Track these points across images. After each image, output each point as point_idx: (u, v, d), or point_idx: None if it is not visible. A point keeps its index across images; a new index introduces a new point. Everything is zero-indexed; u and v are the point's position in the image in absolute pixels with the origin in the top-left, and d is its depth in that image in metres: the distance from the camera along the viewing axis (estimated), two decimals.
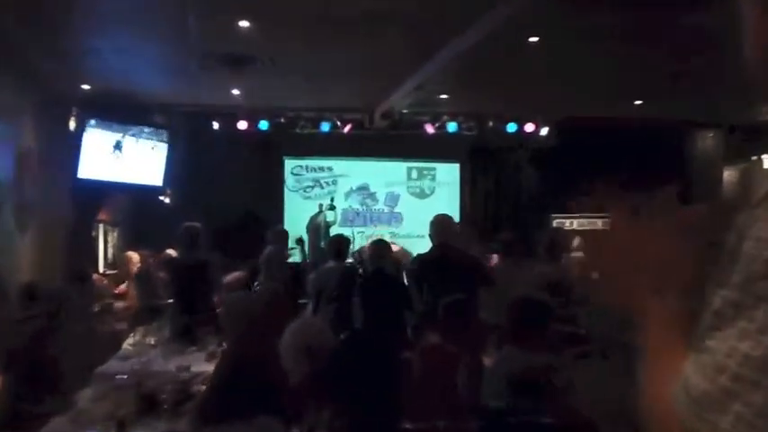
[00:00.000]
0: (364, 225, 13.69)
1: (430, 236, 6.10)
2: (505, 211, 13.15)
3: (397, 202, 13.92)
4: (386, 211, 13.88)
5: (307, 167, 13.72)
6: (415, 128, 12.28)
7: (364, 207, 13.82)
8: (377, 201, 13.88)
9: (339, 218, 13.35)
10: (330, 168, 13.77)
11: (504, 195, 13.43)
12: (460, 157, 13.72)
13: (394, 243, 8.86)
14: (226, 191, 11.78)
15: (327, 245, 7.52)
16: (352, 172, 13.79)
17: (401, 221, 13.81)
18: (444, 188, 13.98)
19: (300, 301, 7.18)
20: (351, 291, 6.30)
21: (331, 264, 6.82)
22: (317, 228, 12.48)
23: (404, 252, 8.49)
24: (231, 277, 7.22)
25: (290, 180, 13.68)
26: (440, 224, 6.10)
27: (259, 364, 2.79)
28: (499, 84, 9.84)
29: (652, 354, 0.98)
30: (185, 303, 6.26)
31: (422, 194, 13.98)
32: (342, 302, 6.28)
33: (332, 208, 12.84)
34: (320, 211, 12.81)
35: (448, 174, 14.04)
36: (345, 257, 7.18)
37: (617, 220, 1.15)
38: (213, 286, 6.51)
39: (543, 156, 12.41)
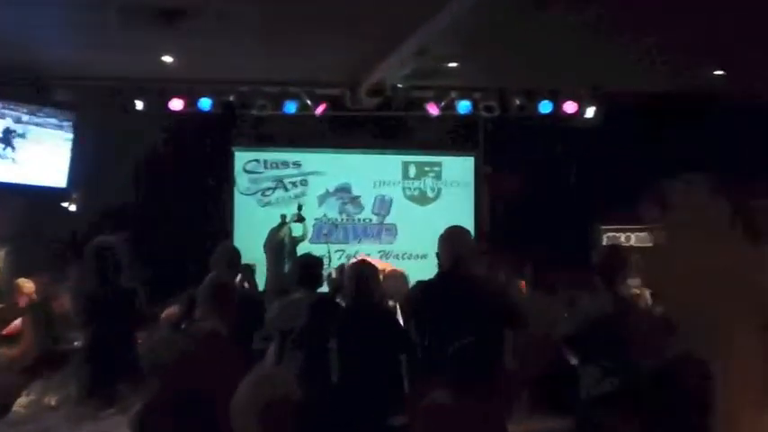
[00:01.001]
0: (345, 241, 13.86)
1: (437, 255, 6.14)
2: (538, 220, 12.87)
3: (389, 210, 14.09)
4: (374, 221, 14.06)
5: (265, 163, 13.81)
6: (415, 108, 12.61)
7: (345, 216, 13.99)
8: (362, 207, 14.05)
9: (310, 231, 13.46)
10: (298, 164, 13.87)
11: (536, 200, 13.10)
12: (476, 147, 13.98)
13: (386, 263, 9.06)
14: (153, 195, 11.97)
15: (293, 268, 7.64)
16: (329, 168, 13.92)
17: (395, 236, 14.02)
18: (454, 190, 14.17)
19: (256, 347, 7.23)
20: (326, 331, 6.28)
21: (299, 294, 6.91)
22: (278, 246, 12.52)
23: (398, 276, 8.38)
24: (167, 314, 7.30)
25: (241, 180, 13.74)
26: (451, 239, 6.10)
27: (188, 428, 2.89)
28: (528, 48, 9.98)
29: (735, 402, 1.03)
30: (99, 348, 6.22)
31: (423, 199, 14.16)
32: (314, 346, 6.27)
33: (300, 219, 12.88)
34: (283, 223, 12.82)
35: (459, 170, 14.22)
36: (318, 285, 7.28)
37: (697, 231, 1.16)
38: (138, 325, 6.51)
39: (589, 145, 12.47)
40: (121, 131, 11.52)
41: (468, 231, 6.41)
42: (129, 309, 6.45)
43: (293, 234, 12.78)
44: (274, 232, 12.66)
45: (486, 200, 14.06)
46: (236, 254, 7.93)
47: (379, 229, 14.02)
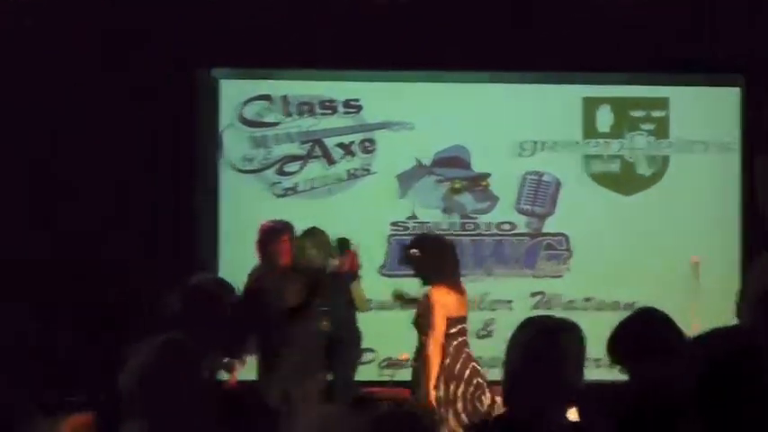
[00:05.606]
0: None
1: (739, 306, 5.03)
2: None
3: (553, 204, 10.90)
4: (522, 227, 10.91)
5: (285, 103, 10.74)
6: None
7: (456, 217, 10.90)
8: (494, 199, 10.83)
9: (389, 252, 10.68)
10: (354, 105, 10.77)
11: None
12: (745, 68, 10.74)
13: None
14: (40, 187, 9.92)
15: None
16: (421, 115, 10.75)
17: (567, 260, 10.91)
18: (697, 160, 10.97)
19: None
20: None
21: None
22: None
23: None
24: (72, 424, 5.37)
25: (235, 140, 10.69)
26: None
27: None
28: None
29: None
30: None
31: (629, 178, 11.10)
32: None
33: (341, 246, 9.34)
34: (313, 234, 8.82)
35: (707, 118, 10.97)
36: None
37: None
38: None
39: None
40: None
41: None
42: None
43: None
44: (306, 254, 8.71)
45: None
46: (222, 297, 5.26)
47: (534, 247, 10.98)
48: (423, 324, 6.93)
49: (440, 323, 6.68)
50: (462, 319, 6.90)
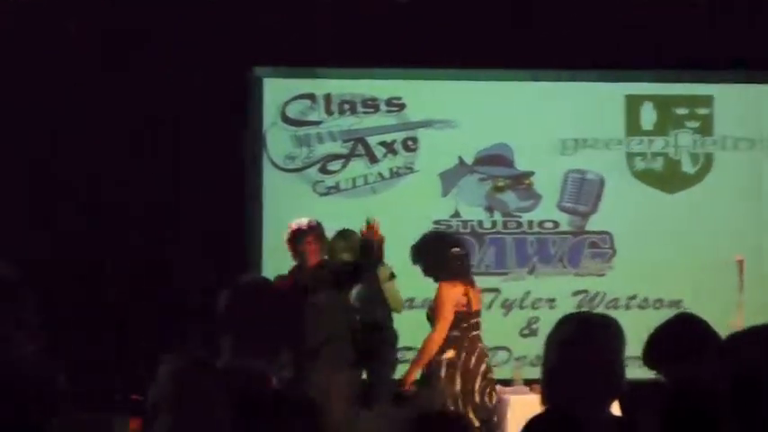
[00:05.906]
0: (500, 269, 10.58)
1: None
2: None
3: (596, 202, 10.80)
4: (565, 225, 10.77)
5: (328, 101, 10.76)
6: None
7: (499, 216, 10.81)
8: (536, 197, 10.74)
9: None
10: (396, 103, 10.70)
11: None
12: None
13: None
14: (82, 184, 9.93)
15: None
16: (464, 114, 10.68)
17: (610, 258, 10.67)
18: (741, 158, 10.85)
19: None
20: None
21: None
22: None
23: None
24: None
25: (279, 138, 10.67)
26: None
27: None
28: None
29: None
30: None
31: (673, 177, 10.94)
32: None
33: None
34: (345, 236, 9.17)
35: (752, 114, 10.87)
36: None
37: None
38: None
39: None
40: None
41: None
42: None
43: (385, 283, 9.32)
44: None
45: None
46: (268, 297, 5.02)
47: (577, 245, 10.82)
48: (434, 318, 7.09)
49: (450, 317, 6.85)
50: (477, 314, 6.97)
